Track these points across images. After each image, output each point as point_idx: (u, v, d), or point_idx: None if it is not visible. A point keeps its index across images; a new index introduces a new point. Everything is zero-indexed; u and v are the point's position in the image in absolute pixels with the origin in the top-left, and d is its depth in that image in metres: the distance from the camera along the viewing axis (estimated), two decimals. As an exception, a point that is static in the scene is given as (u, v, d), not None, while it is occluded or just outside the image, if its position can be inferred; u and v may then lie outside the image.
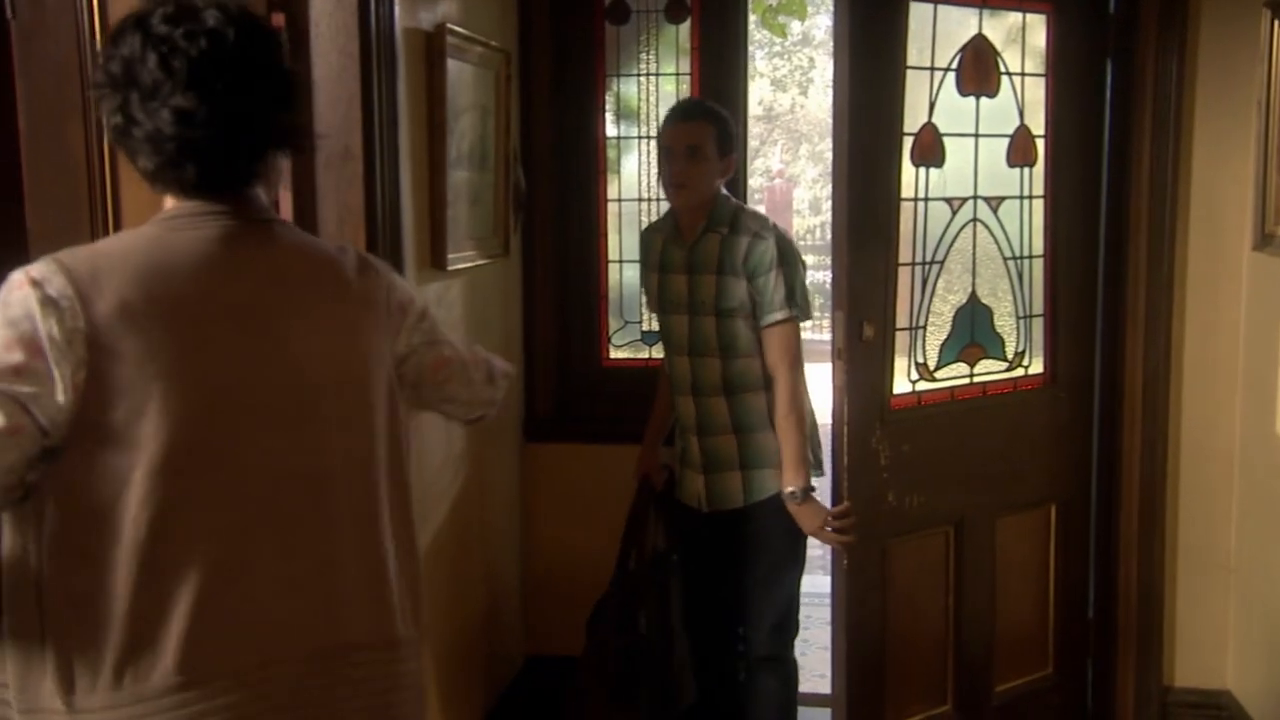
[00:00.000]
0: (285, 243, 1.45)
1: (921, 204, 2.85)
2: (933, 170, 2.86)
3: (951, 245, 2.92)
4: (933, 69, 2.83)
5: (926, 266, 2.89)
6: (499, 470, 3.21)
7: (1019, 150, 3.01)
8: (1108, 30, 3.04)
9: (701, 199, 2.66)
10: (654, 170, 3.38)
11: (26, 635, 1.32)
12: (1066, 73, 3.04)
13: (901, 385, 2.84)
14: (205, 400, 1.33)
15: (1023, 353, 3.08)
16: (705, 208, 2.67)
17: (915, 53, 2.77)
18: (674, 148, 2.66)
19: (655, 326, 3.18)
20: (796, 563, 2.76)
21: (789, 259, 2.63)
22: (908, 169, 2.81)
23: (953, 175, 2.89)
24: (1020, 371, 3.09)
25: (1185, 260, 3.06)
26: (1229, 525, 3.10)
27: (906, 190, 2.81)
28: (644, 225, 3.34)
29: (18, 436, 1.26)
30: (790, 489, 2.60)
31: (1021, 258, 3.05)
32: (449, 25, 2.56)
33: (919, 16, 2.77)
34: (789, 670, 2.80)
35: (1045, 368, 3.11)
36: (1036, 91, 3.02)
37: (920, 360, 2.92)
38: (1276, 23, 2.77)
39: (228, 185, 1.40)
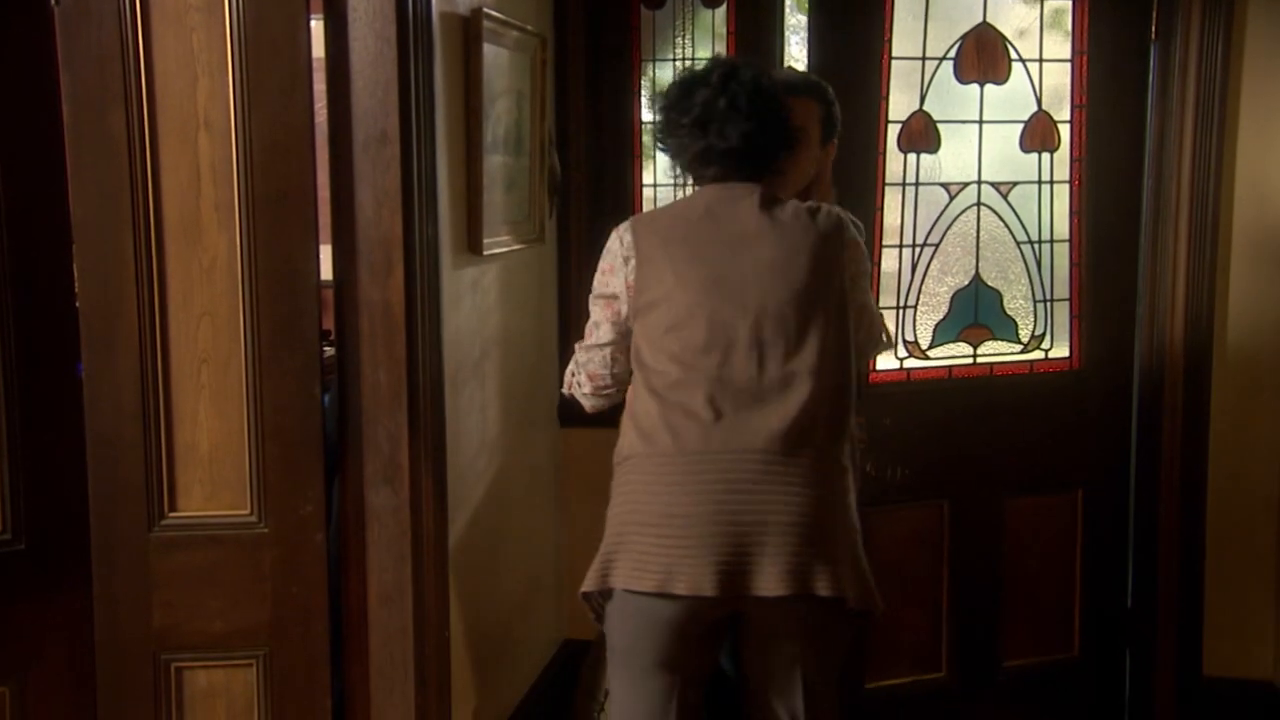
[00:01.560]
0: (769, 201, 2.10)
1: (911, 188, 2.98)
2: (925, 156, 3.00)
3: (948, 229, 3.03)
4: (924, 58, 2.96)
5: (917, 249, 3.01)
6: (535, 454, 3.22)
7: (1037, 135, 3.06)
8: (1149, 13, 3.02)
9: (797, 191, 2.35)
10: (689, 155, 3.37)
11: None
12: (1099, 57, 3.04)
13: (888, 362, 2.97)
14: (694, 286, 2.05)
15: (1041, 336, 3.12)
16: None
17: (910, 44, 2.96)
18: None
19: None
20: None
21: None
22: (895, 155, 2.96)
23: (951, 161, 3.02)
24: (1039, 354, 3.13)
25: (1229, 245, 3.01)
26: (1272, 514, 3.06)
27: (893, 176, 2.95)
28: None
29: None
30: None
31: (1039, 242, 3.10)
32: (485, 9, 2.56)
33: (906, 9, 2.94)
34: None
35: (1071, 352, 3.13)
36: (1058, 77, 3.05)
37: (911, 339, 3.04)
38: (1325, 3, 2.73)
39: (760, 174, 2.13)
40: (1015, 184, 3.06)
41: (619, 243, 2.16)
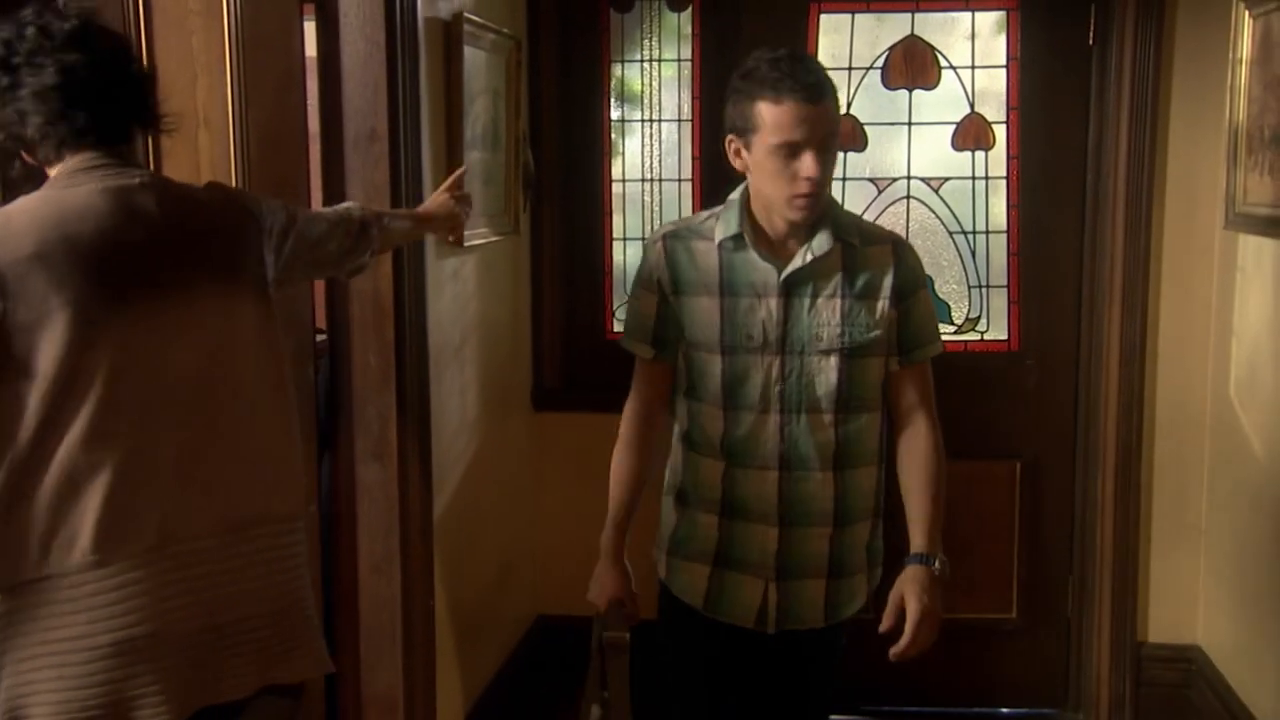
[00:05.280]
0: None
1: (837, 183, 3.31)
2: (852, 154, 3.36)
3: (876, 219, 3.35)
4: (850, 68, 3.33)
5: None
6: (510, 437, 3.37)
7: (969, 135, 3.35)
8: (1086, 22, 3.23)
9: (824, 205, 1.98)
10: (655, 152, 3.53)
11: None
12: (1034, 63, 3.29)
13: None
14: (105, 328, 1.57)
15: (977, 319, 3.39)
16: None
17: (840, 56, 3.33)
18: (810, 140, 1.87)
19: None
20: None
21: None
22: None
23: (880, 158, 3.38)
24: (974, 335, 3.41)
25: (1161, 238, 3.22)
26: (1200, 489, 3.27)
27: None
28: (654, 209, 3.51)
29: None
30: (939, 557, 2.01)
31: (973, 233, 3.38)
32: (466, 14, 2.71)
33: (833, 24, 3.35)
34: None
35: (1009, 335, 3.39)
36: (993, 81, 3.34)
37: None
38: (1247, 13, 2.93)
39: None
40: (947, 179, 3.37)
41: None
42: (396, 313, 2.42)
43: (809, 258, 1.95)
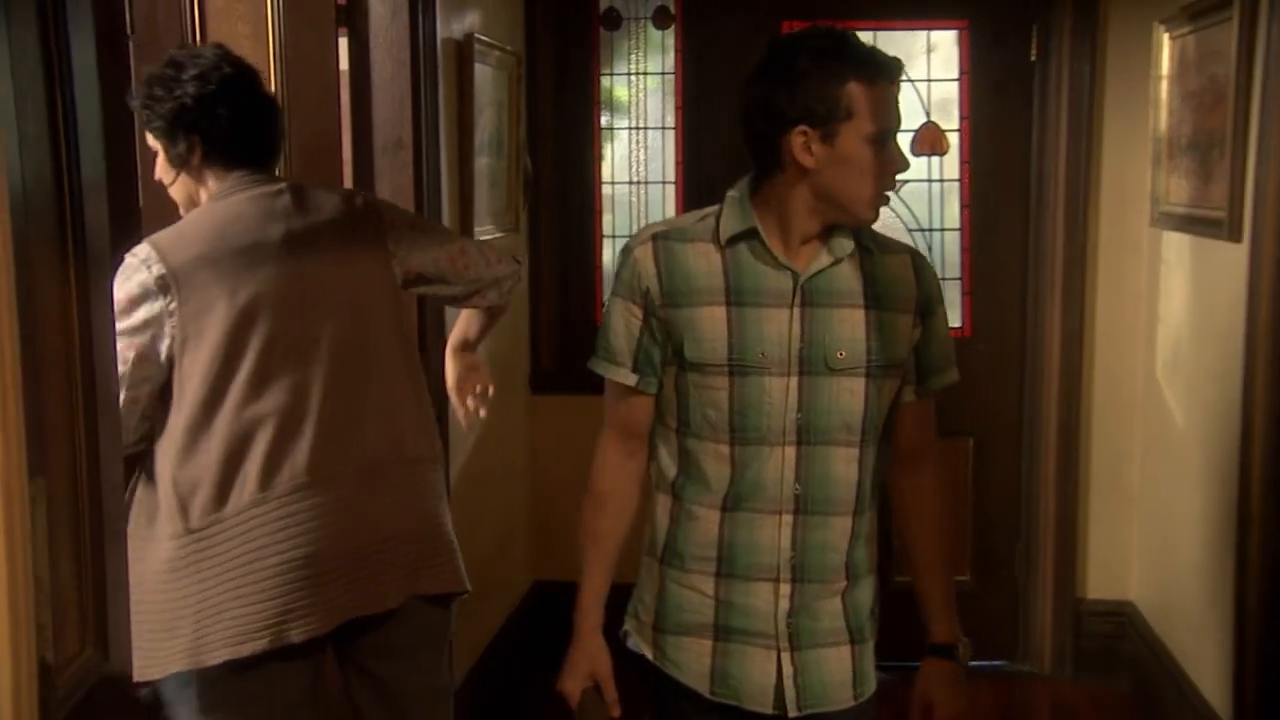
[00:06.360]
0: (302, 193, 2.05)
1: None
2: None
3: None
4: None
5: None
6: (509, 417, 3.68)
7: (926, 141, 3.68)
8: (1026, 41, 3.59)
9: None
10: (641, 156, 3.85)
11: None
12: (983, 76, 3.64)
13: None
14: (262, 303, 1.90)
15: None
16: None
17: None
18: (898, 126, 1.68)
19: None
20: None
21: None
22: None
23: None
24: None
25: (1096, 235, 3.58)
26: (1133, 461, 3.63)
27: None
28: (641, 209, 3.82)
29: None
30: (963, 643, 1.80)
31: (929, 230, 3.71)
32: (476, 35, 3.03)
33: None
34: None
35: (963, 323, 3.73)
36: (947, 93, 3.68)
37: None
38: (1166, 35, 3.30)
39: None
40: (906, 182, 3.72)
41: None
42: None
43: (828, 260, 1.67)
